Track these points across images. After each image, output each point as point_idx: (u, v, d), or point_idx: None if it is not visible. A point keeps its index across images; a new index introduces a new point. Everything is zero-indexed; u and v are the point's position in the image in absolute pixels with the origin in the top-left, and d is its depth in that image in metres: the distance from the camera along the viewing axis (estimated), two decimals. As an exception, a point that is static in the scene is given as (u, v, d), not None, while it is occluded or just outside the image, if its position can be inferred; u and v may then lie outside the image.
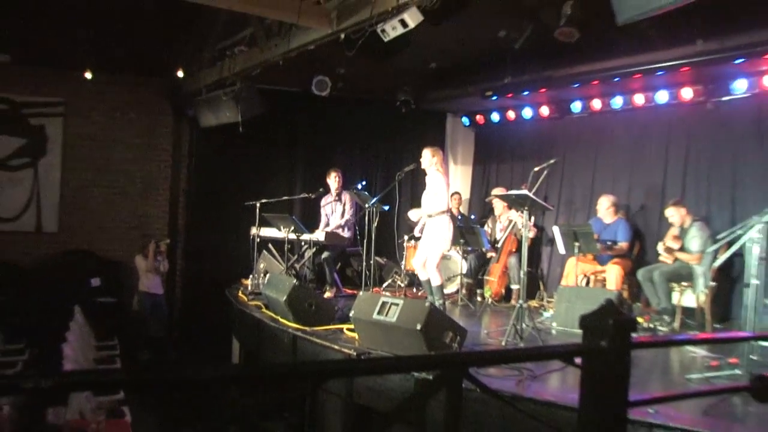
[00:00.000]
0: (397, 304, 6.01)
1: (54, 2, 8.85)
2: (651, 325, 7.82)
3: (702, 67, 7.88)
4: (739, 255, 6.98)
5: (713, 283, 7.89)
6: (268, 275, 9.03)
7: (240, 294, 9.59)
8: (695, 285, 7.93)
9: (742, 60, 7.50)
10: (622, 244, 8.92)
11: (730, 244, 5.94)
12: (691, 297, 8.13)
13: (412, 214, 8.48)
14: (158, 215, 12.14)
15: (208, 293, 11.03)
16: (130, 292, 11.08)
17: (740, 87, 8.42)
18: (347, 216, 9.88)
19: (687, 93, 8.95)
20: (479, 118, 12.13)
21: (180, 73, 10.62)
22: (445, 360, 2.79)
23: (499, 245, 10.01)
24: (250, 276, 9.82)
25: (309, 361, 6.71)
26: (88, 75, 10.84)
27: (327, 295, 9.32)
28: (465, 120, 12.49)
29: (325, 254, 9.65)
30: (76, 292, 10.48)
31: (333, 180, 9.97)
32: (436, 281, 7.65)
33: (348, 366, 3.14)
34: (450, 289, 9.52)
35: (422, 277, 7.92)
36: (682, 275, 8.03)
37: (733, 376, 5.45)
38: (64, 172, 11.59)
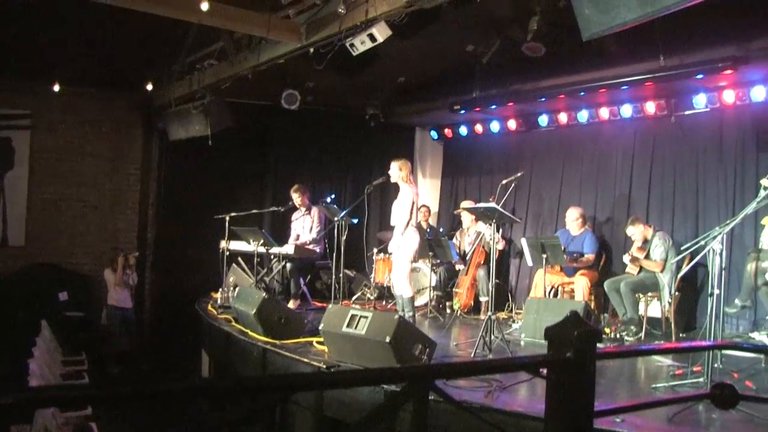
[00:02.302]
0: (366, 317, 6.03)
1: (20, 14, 8.78)
2: (618, 335, 7.94)
3: (664, 82, 8.06)
4: (703, 265, 7.15)
5: (677, 293, 8.04)
6: (237, 288, 8.99)
7: (209, 307, 9.53)
8: (661, 295, 8.08)
9: (702, 76, 7.67)
10: (589, 256, 9.03)
11: (693, 255, 6.05)
12: (656, 307, 8.27)
13: (391, 246, 8.38)
14: (127, 228, 12.05)
15: (177, 307, 10.95)
16: (99, 306, 10.97)
17: (701, 102, 8.63)
18: (314, 233, 9.90)
19: (651, 107, 9.13)
20: (447, 131, 12.20)
21: (149, 87, 10.57)
22: (411, 372, 2.82)
23: (467, 257, 10.07)
24: (220, 289, 9.78)
25: (278, 374, 6.70)
26: (56, 88, 10.72)
27: (290, 305, 9.28)
28: (433, 133, 12.57)
29: (289, 265, 9.66)
30: (43, 307, 10.31)
31: (296, 198, 10.02)
32: (407, 293, 7.68)
33: (314, 379, 3.16)
34: (419, 301, 9.56)
35: (397, 291, 7.93)
36: (648, 286, 8.17)
37: (697, 384, 5.54)
38: (32, 185, 11.46)
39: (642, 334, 8.01)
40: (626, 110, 9.41)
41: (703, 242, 5.73)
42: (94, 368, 8.96)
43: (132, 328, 11.00)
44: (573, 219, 9.30)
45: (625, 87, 8.42)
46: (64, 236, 11.68)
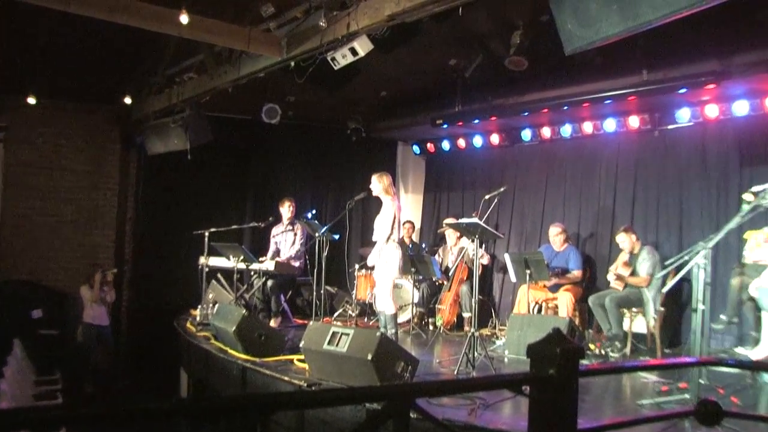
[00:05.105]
0: (347, 334, 5.95)
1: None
2: (602, 351, 7.88)
3: (647, 96, 8.07)
4: (687, 280, 7.09)
5: (662, 308, 8.00)
6: (216, 305, 8.86)
7: (188, 324, 9.41)
8: (645, 310, 8.02)
9: (685, 90, 7.68)
10: (575, 273, 8.98)
11: (677, 270, 6.01)
12: (641, 322, 8.23)
13: (369, 260, 8.24)
14: (105, 244, 11.87)
15: (155, 324, 10.78)
16: (75, 324, 10.77)
17: (684, 116, 8.65)
18: (297, 246, 9.77)
19: (634, 121, 9.13)
20: (430, 146, 12.18)
21: (128, 100, 10.44)
22: (391, 391, 2.75)
23: (450, 273, 9.99)
24: (199, 306, 9.65)
25: (258, 392, 6.58)
26: (32, 100, 10.50)
27: (272, 323, 9.16)
28: (416, 148, 12.53)
29: (270, 282, 9.52)
30: (16, 325, 10.11)
31: (287, 209, 9.88)
32: (389, 310, 7.57)
33: (295, 398, 3.07)
34: (402, 318, 9.46)
35: (379, 308, 7.82)
36: (633, 301, 8.12)
37: (683, 401, 5.48)
38: (6, 199, 11.26)
39: (627, 350, 7.96)
40: (609, 124, 9.42)
41: (687, 257, 5.69)
42: (70, 387, 8.79)
43: (109, 346, 10.82)
44: (554, 235, 9.27)
45: (608, 101, 8.41)
46: (38, 252, 11.45)
